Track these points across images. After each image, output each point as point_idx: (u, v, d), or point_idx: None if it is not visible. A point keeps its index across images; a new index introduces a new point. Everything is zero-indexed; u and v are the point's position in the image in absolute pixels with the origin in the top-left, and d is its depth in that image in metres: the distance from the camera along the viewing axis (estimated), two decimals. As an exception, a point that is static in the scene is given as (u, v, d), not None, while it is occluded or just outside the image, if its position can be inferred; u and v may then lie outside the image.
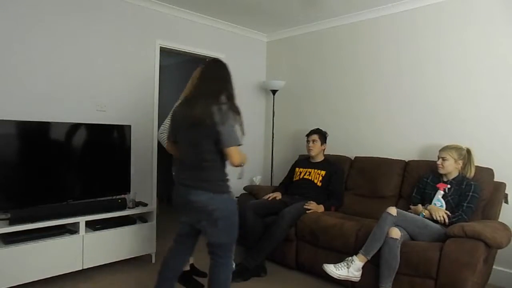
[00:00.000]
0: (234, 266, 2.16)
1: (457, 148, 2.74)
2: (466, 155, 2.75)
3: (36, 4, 2.91)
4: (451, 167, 2.72)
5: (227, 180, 2.02)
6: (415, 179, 3.04)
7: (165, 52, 3.76)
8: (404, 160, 3.29)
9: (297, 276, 3.00)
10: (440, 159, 2.75)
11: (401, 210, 2.52)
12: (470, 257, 2.20)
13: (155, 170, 3.72)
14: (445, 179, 2.76)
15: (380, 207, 2.92)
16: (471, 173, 2.72)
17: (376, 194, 3.29)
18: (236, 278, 2.79)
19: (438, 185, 2.74)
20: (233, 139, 1.90)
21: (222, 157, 1.95)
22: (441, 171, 2.75)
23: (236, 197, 3.93)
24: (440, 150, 2.79)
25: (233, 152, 1.90)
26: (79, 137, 2.95)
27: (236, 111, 1.95)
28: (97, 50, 3.26)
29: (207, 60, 2.17)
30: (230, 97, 1.99)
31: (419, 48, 3.34)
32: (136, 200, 3.16)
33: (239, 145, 1.94)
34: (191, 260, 2.83)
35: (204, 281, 2.73)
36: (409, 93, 3.41)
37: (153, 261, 3.16)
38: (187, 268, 2.73)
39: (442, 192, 2.69)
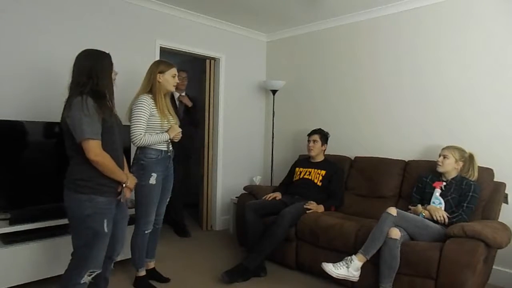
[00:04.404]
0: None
1: (460, 150, 2.76)
2: (468, 159, 2.76)
3: (36, 4, 2.90)
4: (450, 166, 2.73)
5: (90, 180, 1.84)
6: (415, 179, 3.04)
7: (165, 52, 3.76)
8: (404, 160, 3.29)
9: (297, 276, 3.00)
10: (442, 157, 2.76)
11: (401, 211, 2.53)
12: (470, 257, 2.20)
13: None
14: (444, 179, 2.77)
15: (380, 207, 2.92)
16: (474, 178, 2.73)
17: (376, 194, 3.29)
18: (236, 278, 2.80)
19: (434, 184, 2.76)
20: (79, 132, 1.77)
21: (82, 152, 1.80)
22: (440, 169, 2.76)
23: (236, 197, 3.95)
24: (443, 148, 2.80)
25: (85, 146, 1.77)
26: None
27: (86, 101, 1.79)
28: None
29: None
30: (93, 87, 1.89)
31: (419, 48, 3.34)
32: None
33: (90, 138, 1.76)
34: (152, 265, 2.82)
35: (164, 286, 2.73)
36: (409, 93, 3.40)
37: (153, 261, 3.16)
38: (144, 272, 2.69)
39: (439, 190, 2.70)
